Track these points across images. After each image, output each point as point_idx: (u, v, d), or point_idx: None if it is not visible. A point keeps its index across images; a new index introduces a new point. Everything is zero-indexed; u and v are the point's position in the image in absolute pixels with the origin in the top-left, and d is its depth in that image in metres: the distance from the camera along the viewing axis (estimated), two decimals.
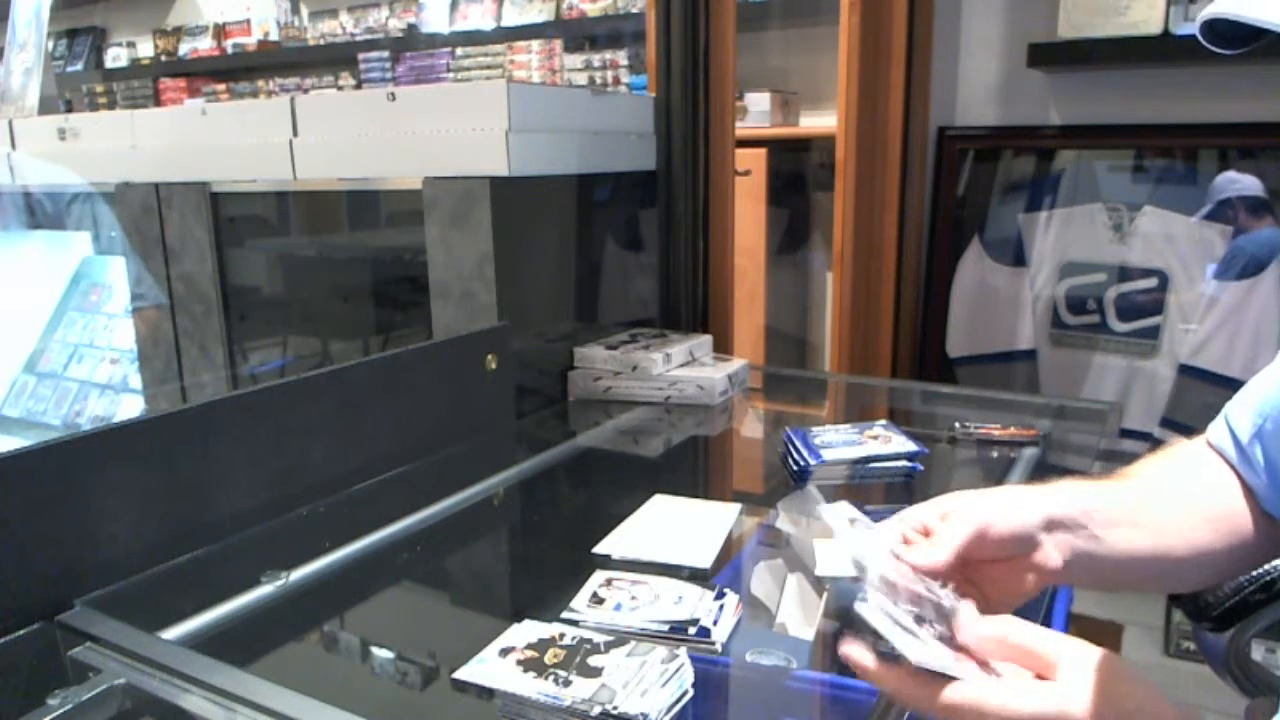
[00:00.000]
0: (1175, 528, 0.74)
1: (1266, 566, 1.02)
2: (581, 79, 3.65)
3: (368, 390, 1.17)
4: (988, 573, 0.68)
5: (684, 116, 1.71)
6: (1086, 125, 2.08)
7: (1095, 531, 0.70)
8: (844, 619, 0.82)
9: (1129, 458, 0.82)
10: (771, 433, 1.52)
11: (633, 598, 0.84)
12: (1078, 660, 0.57)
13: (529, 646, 0.74)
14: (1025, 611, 0.89)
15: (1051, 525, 0.68)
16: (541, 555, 1.12)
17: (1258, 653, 1.00)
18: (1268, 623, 1.01)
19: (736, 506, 1.07)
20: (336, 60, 4.36)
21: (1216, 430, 0.81)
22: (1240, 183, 1.93)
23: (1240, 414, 0.79)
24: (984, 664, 0.59)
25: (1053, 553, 0.69)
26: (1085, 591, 1.85)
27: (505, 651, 0.74)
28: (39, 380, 2.21)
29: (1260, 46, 0.56)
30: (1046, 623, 0.95)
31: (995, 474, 1.23)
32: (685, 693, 0.69)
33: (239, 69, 4.72)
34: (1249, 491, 0.77)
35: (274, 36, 4.59)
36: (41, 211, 2.20)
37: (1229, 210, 1.94)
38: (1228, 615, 0.97)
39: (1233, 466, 0.79)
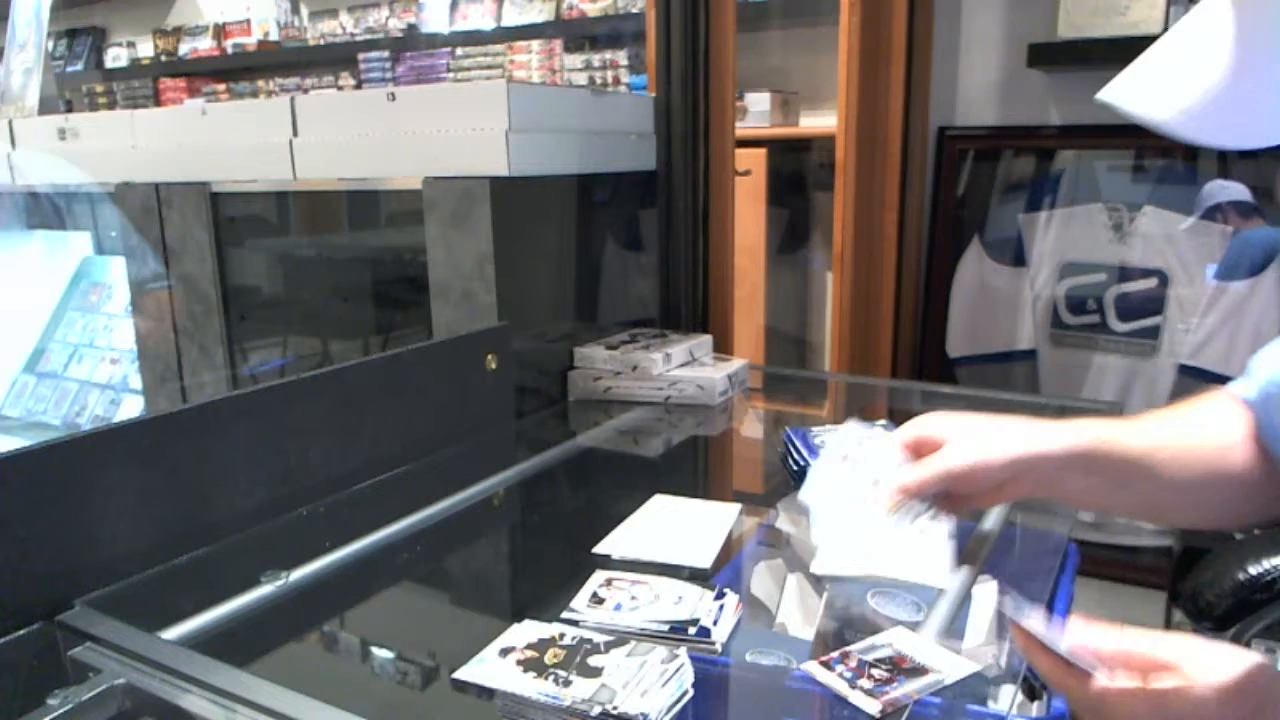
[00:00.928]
0: (1177, 462, 0.78)
1: (1266, 565, 1.03)
2: (581, 79, 3.65)
3: (367, 390, 1.17)
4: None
5: (684, 116, 1.71)
6: (1086, 125, 2.08)
7: (1106, 463, 0.78)
8: (844, 620, 0.82)
9: None
10: (771, 433, 1.52)
11: (633, 598, 0.84)
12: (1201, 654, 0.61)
13: (529, 646, 0.74)
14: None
15: (1073, 460, 0.78)
16: (541, 555, 1.11)
17: (1258, 653, 1.00)
18: (1268, 623, 1.01)
19: (736, 506, 1.07)
20: (336, 60, 4.36)
21: (1239, 384, 0.83)
22: (1229, 189, 1.93)
23: (1263, 364, 0.81)
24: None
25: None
26: (1085, 592, 1.85)
27: (505, 651, 0.74)
28: (39, 380, 2.21)
29: None
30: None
31: None
32: (685, 693, 0.69)
33: (239, 69, 4.72)
34: (1261, 442, 0.79)
35: (274, 36, 4.59)
36: (39, 211, 2.20)
37: (1219, 215, 1.94)
38: (1228, 615, 0.97)
39: (1254, 418, 0.80)
